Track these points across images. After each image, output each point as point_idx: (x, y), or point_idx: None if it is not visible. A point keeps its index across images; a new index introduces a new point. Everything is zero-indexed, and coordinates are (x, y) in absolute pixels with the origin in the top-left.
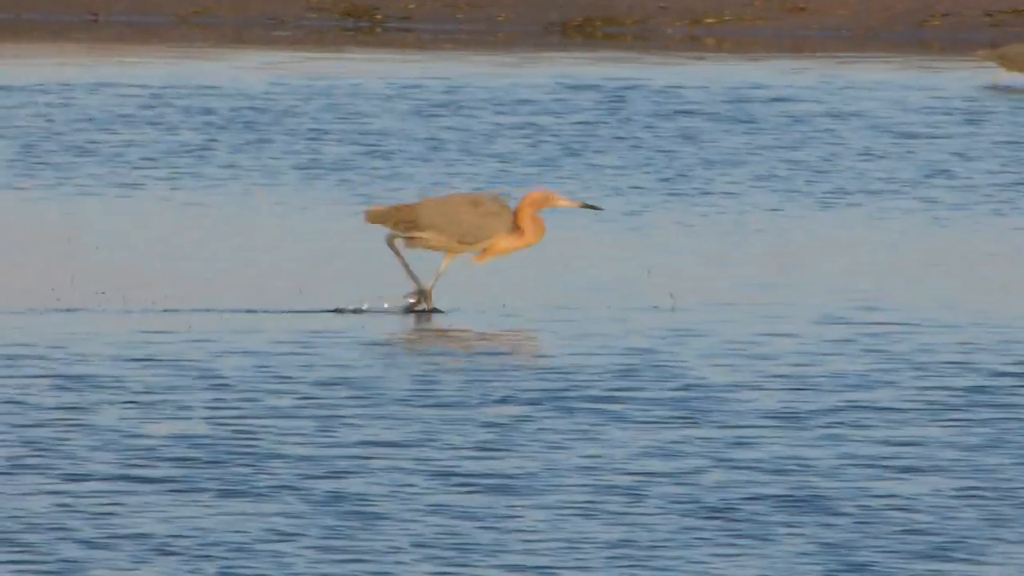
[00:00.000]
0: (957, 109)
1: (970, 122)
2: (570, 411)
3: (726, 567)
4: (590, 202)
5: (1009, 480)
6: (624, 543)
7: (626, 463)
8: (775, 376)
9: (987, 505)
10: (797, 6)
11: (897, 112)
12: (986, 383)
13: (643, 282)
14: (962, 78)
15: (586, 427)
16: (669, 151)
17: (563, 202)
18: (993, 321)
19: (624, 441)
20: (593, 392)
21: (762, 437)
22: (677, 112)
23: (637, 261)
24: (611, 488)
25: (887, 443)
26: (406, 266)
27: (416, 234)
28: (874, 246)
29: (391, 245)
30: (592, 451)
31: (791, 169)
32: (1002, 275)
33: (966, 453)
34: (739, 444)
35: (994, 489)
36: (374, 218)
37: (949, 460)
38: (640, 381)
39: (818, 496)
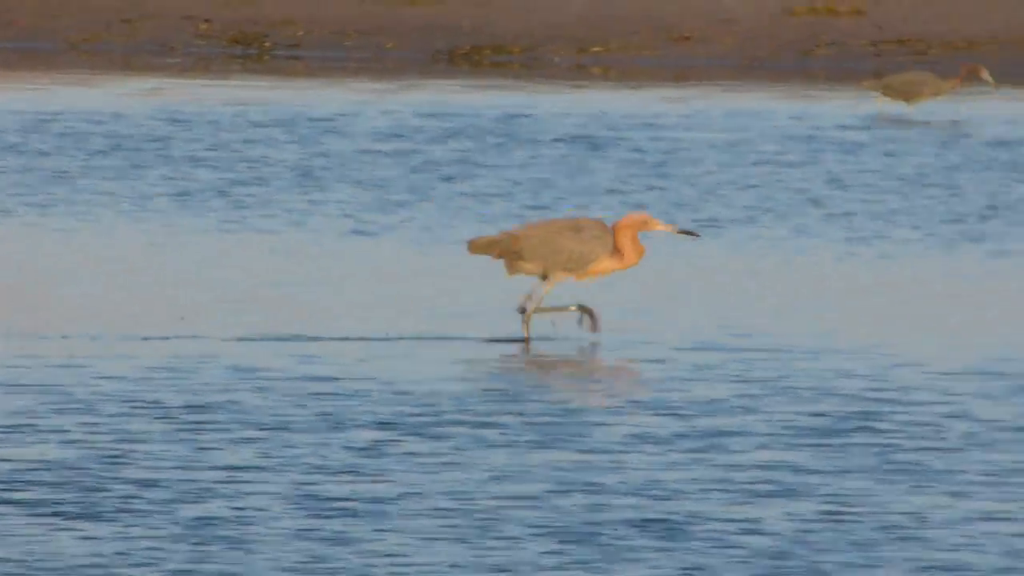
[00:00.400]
0: (838, 138)
1: (848, 151)
2: (436, 436)
3: None
4: (687, 227)
5: (869, 504)
6: (490, 567)
7: (490, 487)
8: (638, 401)
9: (848, 528)
10: (683, 35)
11: (774, 141)
12: (851, 409)
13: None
14: (845, 107)
15: (450, 451)
16: (543, 178)
17: (661, 226)
18: (860, 349)
19: (489, 465)
20: (458, 416)
21: (624, 461)
22: (555, 140)
23: (515, 287)
24: (476, 512)
25: (748, 467)
26: (554, 309)
27: (521, 263)
28: (744, 274)
29: (525, 322)
30: (457, 475)
31: (664, 197)
32: (871, 304)
33: (827, 478)
34: (602, 468)
35: (854, 513)
36: (478, 248)
37: (810, 484)
38: (504, 405)
39: (678, 520)
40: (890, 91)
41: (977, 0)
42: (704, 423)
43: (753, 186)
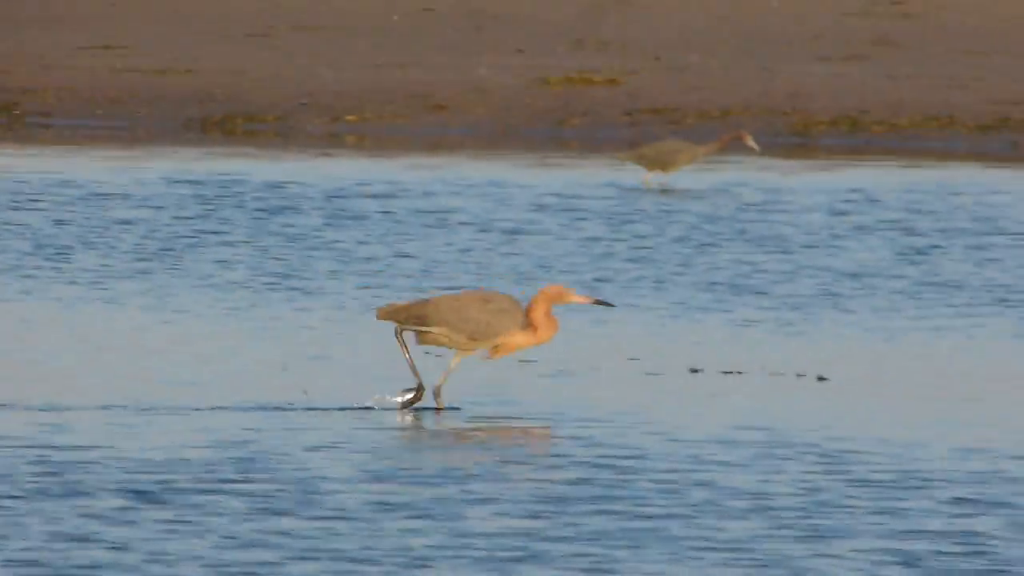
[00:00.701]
0: (590, 206)
1: (584, 219)
2: (163, 502)
3: None
4: (603, 299)
5: (599, 572)
6: None
7: (229, 554)
8: (374, 471)
9: None
10: (438, 104)
11: (504, 208)
12: (573, 477)
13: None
14: (601, 176)
15: (195, 517)
16: (265, 247)
17: (576, 298)
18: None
19: (228, 532)
20: (199, 484)
21: (368, 528)
22: (284, 208)
23: (269, 352)
24: None
25: (486, 535)
26: (412, 361)
27: (427, 330)
28: None
29: (398, 338)
30: (198, 541)
31: (380, 267)
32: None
33: (568, 546)
34: (346, 536)
35: None
36: (386, 315)
37: (552, 552)
38: (233, 474)
39: None
40: (645, 160)
41: (731, 70)
42: (447, 491)
43: (483, 250)
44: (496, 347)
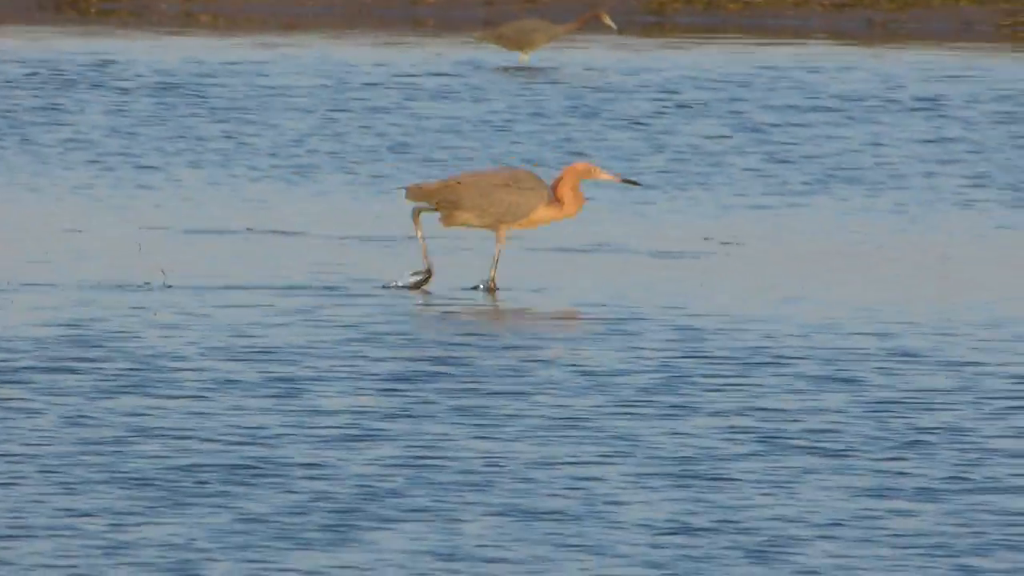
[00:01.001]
0: (445, 85)
1: (447, 98)
2: (15, 383)
3: (154, 533)
4: (629, 176)
5: (448, 449)
6: (65, 511)
7: (66, 432)
8: (218, 347)
9: (421, 473)
10: None
11: (369, 89)
12: (429, 356)
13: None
14: (456, 55)
15: (28, 397)
16: (106, 126)
17: (604, 175)
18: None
19: (71, 411)
20: (38, 364)
21: (205, 408)
22: (120, 87)
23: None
24: (44, 459)
25: (334, 413)
26: (424, 244)
27: (457, 213)
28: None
29: (415, 219)
30: (35, 421)
31: (250, 146)
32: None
33: (410, 424)
34: (182, 414)
35: (428, 458)
36: (415, 195)
37: (395, 430)
38: (92, 352)
39: (262, 465)
40: (504, 40)
41: None
42: (292, 368)
43: (340, 133)
44: (522, 222)
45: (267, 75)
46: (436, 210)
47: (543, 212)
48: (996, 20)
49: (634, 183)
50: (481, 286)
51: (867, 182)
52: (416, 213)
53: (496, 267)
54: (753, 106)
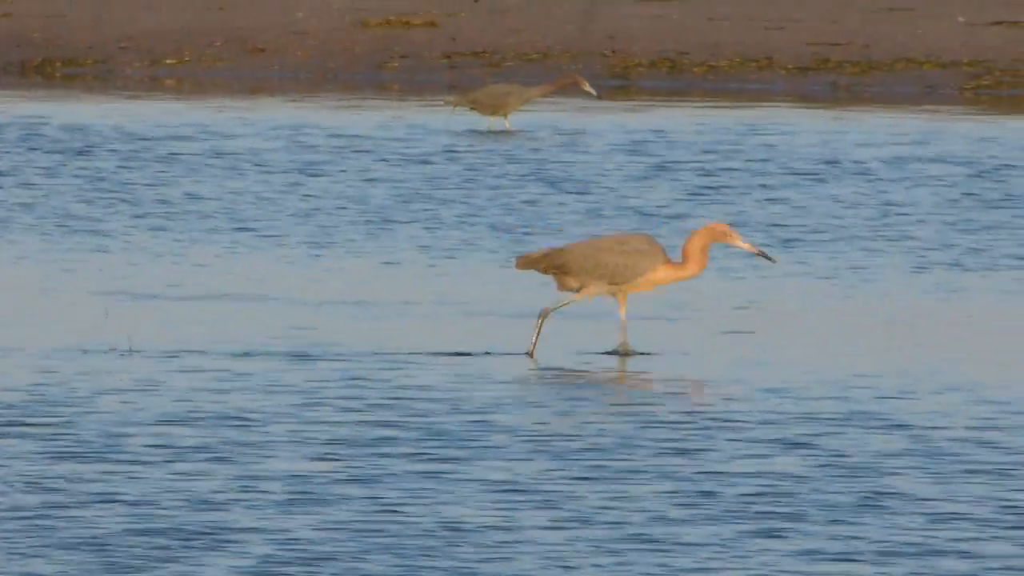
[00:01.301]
0: (413, 151)
1: (425, 162)
2: None
3: None
4: (767, 252)
5: (403, 513)
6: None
7: (21, 497)
8: (165, 413)
9: (375, 538)
10: (257, 47)
11: (305, 150)
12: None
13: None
14: (425, 120)
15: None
16: (65, 189)
17: (740, 243)
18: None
19: (25, 476)
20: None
21: (166, 474)
22: (84, 150)
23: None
24: (4, 522)
25: (285, 478)
26: (536, 342)
27: (566, 279)
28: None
29: (542, 317)
30: None
31: (182, 206)
32: (424, 311)
33: (364, 488)
34: (143, 479)
35: (382, 522)
36: (526, 264)
37: (350, 494)
38: (48, 417)
39: (218, 531)
40: (478, 105)
41: (551, 12)
42: (243, 436)
43: (306, 196)
44: (643, 284)
45: (232, 138)
46: (545, 274)
47: (663, 273)
48: (959, 83)
49: (769, 258)
50: (619, 350)
51: (823, 244)
52: (542, 317)
53: (624, 331)
54: (712, 167)
